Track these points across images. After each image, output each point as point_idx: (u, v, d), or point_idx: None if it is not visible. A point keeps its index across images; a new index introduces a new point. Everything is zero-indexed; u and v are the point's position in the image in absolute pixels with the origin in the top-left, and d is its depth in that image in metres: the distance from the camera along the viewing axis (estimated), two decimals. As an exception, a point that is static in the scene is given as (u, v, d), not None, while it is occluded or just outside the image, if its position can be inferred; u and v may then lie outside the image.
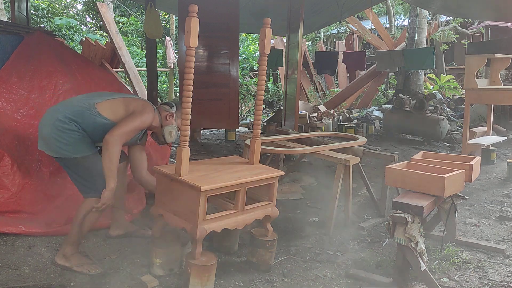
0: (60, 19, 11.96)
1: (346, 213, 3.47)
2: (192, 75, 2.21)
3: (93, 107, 2.54)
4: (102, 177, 2.47)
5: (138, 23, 14.46)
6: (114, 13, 14.35)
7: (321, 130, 7.14)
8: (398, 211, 2.40)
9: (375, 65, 10.04)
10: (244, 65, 13.95)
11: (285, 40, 9.03)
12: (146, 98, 6.54)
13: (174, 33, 12.68)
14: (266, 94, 12.67)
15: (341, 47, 13.35)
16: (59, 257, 2.57)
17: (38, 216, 3.11)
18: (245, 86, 13.05)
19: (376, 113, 9.24)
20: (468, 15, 7.78)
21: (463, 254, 2.87)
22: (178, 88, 9.06)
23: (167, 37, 11.54)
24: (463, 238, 3.13)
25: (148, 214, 3.41)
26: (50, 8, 12.31)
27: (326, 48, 15.48)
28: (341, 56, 9.27)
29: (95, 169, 2.51)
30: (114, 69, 9.52)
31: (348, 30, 14.56)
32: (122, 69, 9.61)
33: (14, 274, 2.49)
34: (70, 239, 2.58)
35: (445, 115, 7.79)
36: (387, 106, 9.38)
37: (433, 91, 9.81)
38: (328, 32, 16.50)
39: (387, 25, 13.70)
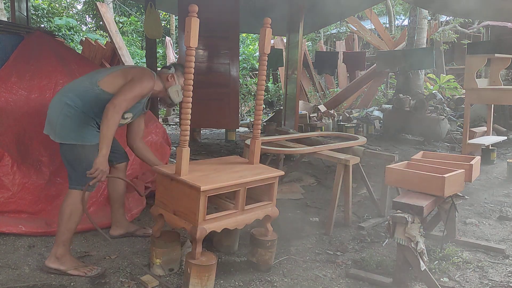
0: (60, 19, 11.96)
1: (346, 213, 3.47)
2: (192, 75, 2.21)
3: (95, 85, 2.55)
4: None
5: (138, 23, 14.46)
6: (114, 13, 14.36)
7: (321, 130, 7.14)
8: (398, 211, 2.40)
9: (375, 65, 10.05)
10: (244, 65, 13.95)
11: (285, 40, 9.04)
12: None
13: (174, 33, 12.69)
14: (266, 94, 12.67)
15: (341, 47, 13.35)
16: (51, 260, 2.49)
17: (38, 216, 3.11)
18: (245, 86, 13.05)
19: (376, 113, 9.24)
20: (468, 15, 7.77)
21: (463, 254, 2.87)
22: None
23: (167, 37, 11.55)
24: (463, 238, 3.13)
25: (148, 214, 3.42)
26: (50, 8, 12.31)
27: (326, 48, 15.47)
28: (341, 56, 9.28)
29: (89, 161, 2.45)
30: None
31: (348, 30, 14.56)
32: (122, 69, 9.59)
33: (14, 274, 2.49)
34: (60, 238, 2.50)
35: (445, 115, 7.79)
36: (387, 106, 9.38)
37: (433, 91, 9.81)
38: (328, 32, 16.49)
39: (387, 25, 13.70)
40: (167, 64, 2.86)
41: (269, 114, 10.52)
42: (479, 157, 3.01)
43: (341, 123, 8.45)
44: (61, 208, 2.52)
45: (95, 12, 14.14)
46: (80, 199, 2.48)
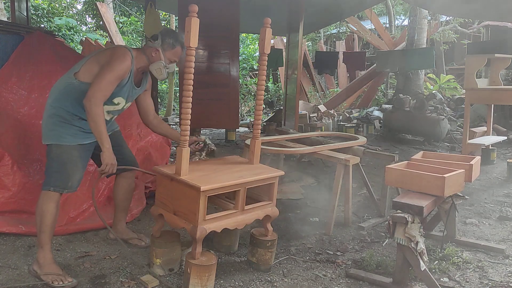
0: (60, 19, 11.95)
1: (346, 213, 3.47)
2: (192, 75, 2.21)
3: (72, 78, 2.46)
4: (67, 173, 2.41)
5: (138, 23, 14.45)
6: (114, 13, 14.36)
7: (321, 130, 7.14)
8: (398, 211, 2.40)
9: (375, 65, 10.04)
10: (244, 65, 13.94)
11: (285, 40, 9.04)
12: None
13: (174, 33, 12.65)
14: (266, 94, 12.67)
15: (341, 47, 13.35)
16: (35, 263, 2.47)
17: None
18: (245, 86, 13.05)
19: (376, 113, 9.24)
20: (468, 15, 7.78)
21: (463, 254, 2.87)
22: (178, 88, 9.08)
23: (167, 37, 11.51)
24: (463, 238, 3.13)
25: (148, 214, 3.42)
26: (50, 8, 12.30)
27: (326, 48, 15.47)
28: (341, 56, 9.27)
29: (61, 162, 2.40)
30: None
31: (348, 30, 14.55)
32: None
33: (14, 274, 2.49)
34: (38, 241, 2.46)
35: (445, 115, 7.79)
36: (387, 106, 9.38)
37: (433, 91, 9.81)
38: (328, 32, 16.49)
39: (387, 25, 13.70)
40: (153, 35, 2.61)
41: (269, 114, 10.53)
42: (479, 157, 3.01)
43: (341, 123, 8.45)
44: (36, 211, 2.46)
45: (95, 12, 14.14)
46: (49, 200, 2.41)
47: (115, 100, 2.53)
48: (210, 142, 2.88)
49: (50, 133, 2.44)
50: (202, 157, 2.81)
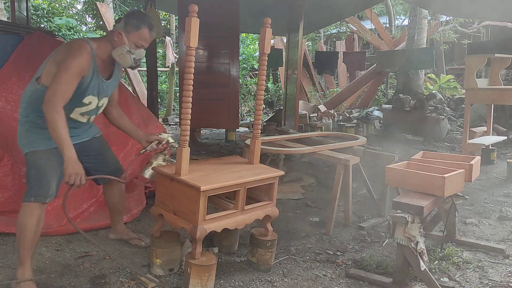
0: (60, 19, 11.95)
1: (346, 213, 3.47)
2: (192, 75, 2.21)
3: (36, 84, 2.29)
4: (47, 179, 2.24)
5: (138, 23, 14.43)
6: (114, 13, 14.35)
7: (321, 130, 7.14)
8: (398, 211, 2.40)
9: (375, 65, 10.04)
10: (244, 65, 13.94)
11: (285, 40, 9.04)
12: (146, 98, 6.59)
13: (174, 33, 12.67)
14: (266, 94, 12.67)
15: (341, 47, 13.35)
16: (15, 279, 2.30)
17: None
18: (245, 86, 13.04)
19: (376, 113, 9.24)
20: (468, 15, 7.77)
21: (463, 254, 2.87)
22: (178, 88, 9.07)
23: (167, 37, 11.53)
24: (463, 238, 3.13)
25: (148, 214, 3.42)
26: (50, 8, 12.30)
27: (326, 48, 15.47)
28: (341, 56, 9.27)
29: (38, 168, 2.24)
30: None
31: (348, 30, 14.55)
32: (122, 69, 9.60)
33: (14, 274, 2.49)
34: (18, 258, 2.30)
35: (445, 115, 7.79)
36: (387, 106, 9.38)
37: (433, 91, 9.80)
38: (328, 32, 16.49)
39: (387, 25, 13.69)
40: (119, 20, 2.37)
41: (269, 114, 10.53)
42: (479, 157, 3.01)
43: (341, 123, 8.45)
44: (16, 224, 2.29)
45: (95, 12, 14.13)
46: (30, 213, 2.23)
47: (86, 100, 2.34)
48: (173, 141, 2.66)
49: (24, 141, 2.30)
50: (166, 158, 2.60)
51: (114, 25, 2.34)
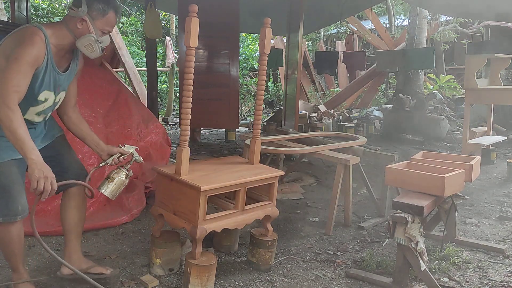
0: (60, 19, 11.96)
1: (346, 213, 3.47)
2: (192, 75, 2.21)
3: None
4: (13, 196, 1.93)
5: (138, 23, 14.44)
6: (114, 13, 14.31)
7: (321, 130, 7.14)
8: (398, 211, 2.40)
9: (375, 65, 10.04)
10: (244, 65, 13.94)
11: (285, 40, 9.04)
12: (146, 98, 6.59)
13: (174, 33, 12.67)
14: (266, 94, 12.67)
15: (341, 47, 13.35)
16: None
17: (38, 216, 3.11)
18: (245, 86, 13.05)
19: (376, 113, 9.24)
20: (468, 14, 7.78)
21: (463, 254, 2.87)
22: (178, 88, 9.07)
23: (167, 37, 11.53)
24: (463, 238, 3.13)
25: (148, 214, 3.42)
26: (50, 8, 12.30)
27: (326, 48, 15.46)
28: (341, 56, 9.27)
29: (5, 185, 1.93)
30: (114, 69, 9.52)
31: (348, 30, 14.55)
32: (122, 69, 9.61)
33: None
34: (10, 266, 2.15)
35: (445, 115, 7.80)
36: (387, 106, 9.39)
37: (433, 91, 9.81)
38: (328, 32, 16.48)
39: (387, 25, 13.69)
40: (78, 3, 1.99)
41: (269, 114, 10.53)
42: (479, 157, 3.01)
43: (341, 123, 8.44)
44: None
45: (95, 12, 14.10)
46: (5, 232, 1.99)
47: (41, 97, 2.00)
48: (137, 155, 2.35)
49: None
50: (129, 173, 2.28)
51: (70, 9, 1.99)
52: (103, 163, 2.27)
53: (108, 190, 2.20)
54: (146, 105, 5.85)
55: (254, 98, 11.77)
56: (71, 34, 1.98)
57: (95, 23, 1.99)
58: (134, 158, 2.33)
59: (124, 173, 2.24)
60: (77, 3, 1.97)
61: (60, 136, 2.27)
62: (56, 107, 2.16)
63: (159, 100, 9.84)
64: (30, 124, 2.00)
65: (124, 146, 2.31)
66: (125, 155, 2.29)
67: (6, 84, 1.79)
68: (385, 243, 3.12)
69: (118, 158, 2.27)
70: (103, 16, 2.01)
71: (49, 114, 2.15)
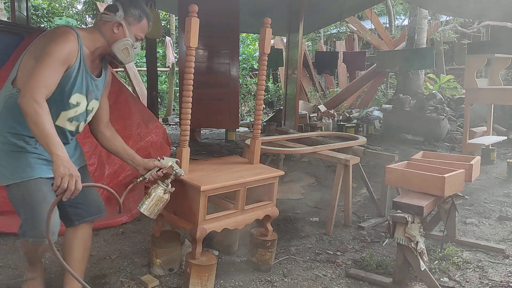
0: (60, 19, 11.95)
1: (346, 213, 3.47)
2: (192, 75, 2.21)
3: (11, 88, 1.86)
4: (43, 217, 1.75)
5: (138, 23, 14.45)
6: (114, 13, 14.31)
7: (321, 130, 7.14)
8: (398, 211, 2.40)
9: (375, 65, 10.05)
10: (244, 65, 13.95)
11: (285, 40, 9.04)
12: (146, 98, 6.58)
13: (174, 33, 12.67)
14: (266, 94, 12.67)
15: (341, 47, 13.35)
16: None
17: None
18: (245, 86, 13.05)
19: (376, 113, 9.24)
20: (468, 14, 7.78)
21: (463, 254, 2.87)
22: (178, 88, 9.07)
23: (167, 37, 11.54)
24: (463, 238, 3.13)
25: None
26: (50, 8, 12.30)
27: (326, 48, 15.46)
28: (341, 56, 9.28)
29: (33, 205, 1.81)
30: (114, 69, 9.51)
31: (348, 30, 14.55)
32: (122, 69, 9.62)
33: (14, 274, 2.49)
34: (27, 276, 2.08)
35: (445, 115, 7.80)
36: (387, 106, 9.39)
37: (433, 91, 9.81)
38: (328, 32, 16.49)
39: (387, 25, 13.69)
40: (114, 8, 1.97)
41: (269, 114, 10.53)
42: (479, 157, 3.01)
43: (341, 123, 8.45)
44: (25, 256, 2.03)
45: (95, 12, 14.13)
46: (35, 250, 1.95)
47: (73, 100, 1.91)
48: (177, 167, 2.23)
49: (2, 170, 1.84)
50: (168, 188, 2.15)
51: (105, 14, 1.97)
52: (140, 179, 2.16)
53: (143, 206, 2.11)
54: (146, 105, 5.85)
55: (254, 98, 11.77)
56: (103, 38, 1.95)
57: (131, 28, 1.99)
58: (174, 171, 2.20)
59: (162, 188, 2.12)
60: (113, 9, 1.97)
61: (84, 166, 2.18)
62: (88, 118, 2.06)
63: (159, 100, 9.84)
64: (62, 134, 1.91)
65: (163, 159, 2.21)
66: (164, 169, 2.19)
67: (35, 79, 1.71)
68: (385, 243, 3.12)
69: (156, 172, 2.17)
70: (138, 22, 2.01)
71: (82, 124, 2.04)
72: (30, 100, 1.67)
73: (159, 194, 2.12)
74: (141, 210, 2.11)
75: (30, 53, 1.86)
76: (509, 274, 2.66)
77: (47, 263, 2.64)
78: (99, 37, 1.95)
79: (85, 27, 1.96)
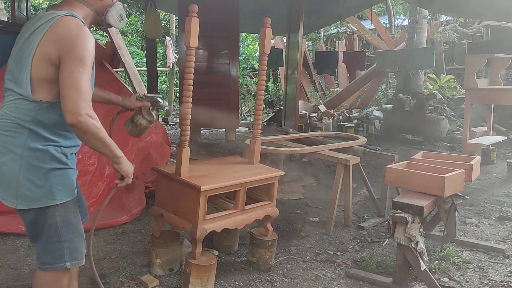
0: (60, 19, 11.95)
1: (346, 213, 3.47)
2: (192, 75, 2.21)
3: (35, 101, 1.59)
4: (82, 236, 1.76)
5: (138, 23, 14.45)
6: (114, 13, 14.29)
7: (321, 130, 7.14)
8: (398, 211, 2.40)
9: (375, 65, 10.04)
10: (244, 65, 13.95)
11: (285, 40, 9.04)
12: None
13: (174, 33, 12.67)
14: (266, 94, 12.67)
15: (341, 47, 13.35)
16: None
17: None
18: (245, 86, 13.05)
19: (376, 113, 9.24)
20: (468, 14, 7.78)
21: (463, 254, 2.87)
22: (178, 88, 9.07)
23: (167, 37, 11.53)
24: (463, 238, 3.13)
25: (148, 214, 3.42)
26: (50, 8, 12.31)
27: (326, 48, 15.46)
28: (341, 56, 9.27)
29: (75, 224, 1.73)
30: (114, 69, 9.50)
31: (348, 30, 14.55)
32: (122, 69, 9.61)
33: (14, 274, 2.50)
34: None
35: (445, 115, 7.79)
36: (387, 106, 9.38)
37: (433, 91, 9.80)
38: (328, 32, 16.48)
39: (387, 25, 13.69)
40: None
41: (269, 114, 10.52)
42: (479, 157, 3.01)
43: (341, 123, 8.44)
44: None
45: (95, 12, 14.10)
46: (62, 278, 1.75)
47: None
48: (162, 101, 2.15)
49: (38, 191, 1.61)
50: (150, 116, 2.11)
51: None
52: (123, 111, 2.18)
53: (128, 129, 2.18)
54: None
55: (254, 98, 11.77)
56: (89, 7, 1.72)
57: None
58: (159, 104, 2.13)
59: (146, 120, 2.11)
60: None
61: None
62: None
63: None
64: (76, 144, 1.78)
65: (146, 96, 2.14)
66: (145, 101, 2.11)
67: (81, 94, 1.54)
68: (385, 243, 3.12)
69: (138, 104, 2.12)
70: None
71: None
72: (87, 118, 1.53)
73: (144, 124, 2.13)
74: (127, 131, 2.19)
75: (43, 56, 1.58)
76: (509, 274, 2.66)
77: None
78: (88, 11, 1.73)
79: (66, 3, 1.71)
